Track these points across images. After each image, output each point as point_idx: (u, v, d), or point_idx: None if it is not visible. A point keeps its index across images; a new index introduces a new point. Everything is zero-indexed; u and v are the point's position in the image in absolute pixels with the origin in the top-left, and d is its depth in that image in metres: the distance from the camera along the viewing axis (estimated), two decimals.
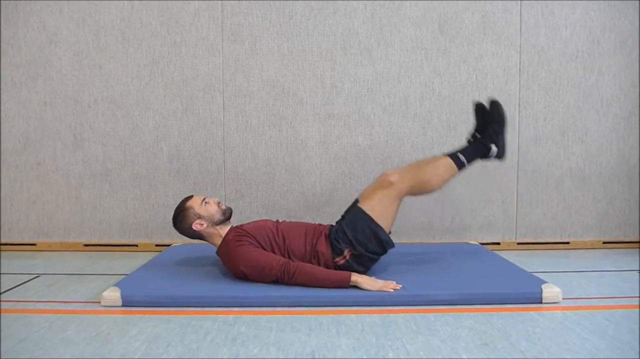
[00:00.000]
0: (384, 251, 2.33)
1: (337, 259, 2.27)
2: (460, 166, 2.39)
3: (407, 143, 3.17)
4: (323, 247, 2.28)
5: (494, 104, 2.43)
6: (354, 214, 2.34)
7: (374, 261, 2.32)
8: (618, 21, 3.12)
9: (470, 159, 2.41)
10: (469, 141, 2.49)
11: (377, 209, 2.30)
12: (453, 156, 2.41)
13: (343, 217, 2.47)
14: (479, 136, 2.45)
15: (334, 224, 2.47)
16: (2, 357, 1.63)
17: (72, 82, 3.15)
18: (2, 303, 2.16)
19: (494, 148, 2.40)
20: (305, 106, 3.16)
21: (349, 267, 2.25)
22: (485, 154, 2.42)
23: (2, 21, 3.12)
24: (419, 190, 2.39)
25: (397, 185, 2.32)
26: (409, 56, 3.14)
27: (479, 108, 2.49)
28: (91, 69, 3.14)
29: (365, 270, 2.30)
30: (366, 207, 2.32)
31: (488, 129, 2.41)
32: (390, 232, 2.36)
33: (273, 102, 3.16)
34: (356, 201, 2.44)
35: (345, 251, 2.26)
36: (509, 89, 3.15)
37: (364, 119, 3.17)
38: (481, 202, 3.19)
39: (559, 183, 3.19)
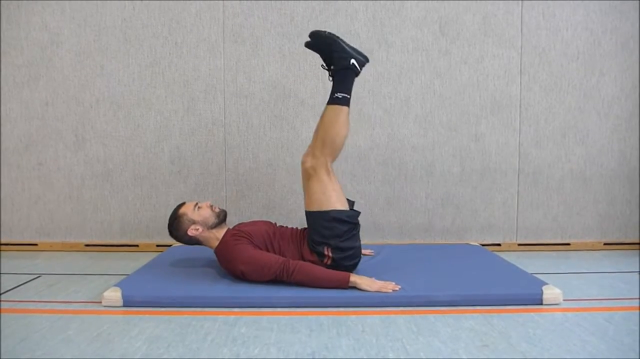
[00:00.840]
0: (354, 224, 2.30)
1: (325, 261, 2.27)
2: (345, 102, 2.31)
3: (408, 144, 3.18)
4: (308, 255, 2.30)
5: (314, 34, 2.34)
6: (308, 218, 2.34)
7: (354, 238, 2.29)
8: (619, 23, 3.12)
9: (347, 89, 2.31)
10: (331, 77, 2.38)
11: (322, 198, 2.27)
12: (332, 99, 2.32)
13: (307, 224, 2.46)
14: (332, 67, 2.35)
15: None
16: (3, 357, 1.64)
17: (73, 83, 3.16)
18: (3, 302, 2.16)
19: (352, 61, 2.29)
20: (306, 106, 3.16)
21: (340, 264, 2.25)
22: (354, 73, 2.32)
23: (4, 21, 3.13)
24: (335, 150, 2.32)
25: (317, 165, 2.28)
26: (409, 57, 3.15)
27: (309, 45, 2.38)
28: (93, 69, 3.15)
29: (356, 251, 2.29)
30: (312, 204, 2.30)
31: (332, 55, 2.31)
32: (354, 203, 2.36)
33: (274, 103, 3.16)
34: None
35: (325, 251, 2.26)
36: (509, 90, 3.16)
37: (364, 120, 3.17)
38: (482, 203, 3.20)
39: (560, 184, 3.19)
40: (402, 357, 1.62)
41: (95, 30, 3.13)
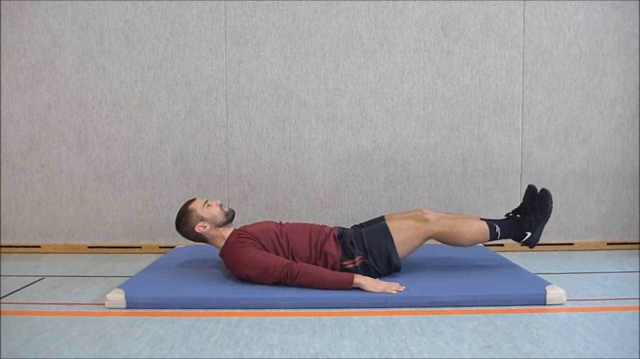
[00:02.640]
0: (389, 273, 2.33)
1: (346, 263, 2.28)
2: (493, 237, 2.39)
3: (410, 145, 3.17)
4: (333, 249, 2.29)
5: (544, 193, 2.39)
6: (379, 227, 2.36)
7: (378, 275, 2.31)
8: (622, 22, 3.11)
9: (503, 235, 2.40)
10: (507, 216, 2.49)
11: (402, 235, 2.32)
12: (490, 223, 2.39)
13: (362, 225, 2.51)
14: (519, 216, 2.44)
15: (338, 226, 2.47)
16: (7, 358, 1.64)
17: (76, 85, 3.16)
18: (7, 304, 2.17)
19: (528, 234, 2.39)
20: (309, 107, 3.16)
21: (353, 272, 2.25)
22: (518, 237, 2.41)
23: (6, 24, 3.14)
24: (447, 239, 2.39)
25: (431, 225, 2.34)
26: (412, 58, 3.14)
27: (530, 190, 2.48)
28: (95, 71, 3.16)
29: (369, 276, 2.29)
30: (392, 227, 2.34)
31: (531, 215, 2.39)
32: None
33: (276, 104, 3.16)
34: (382, 218, 2.48)
35: (357, 258, 2.28)
36: (512, 90, 3.15)
37: (367, 121, 3.17)
38: (484, 204, 3.19)
39: (563, 184, 3.19)
40: (405, 358, 1.62)
41: (98, 32, 3.14)
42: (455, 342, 1.73)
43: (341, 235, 2.37)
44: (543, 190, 2.40)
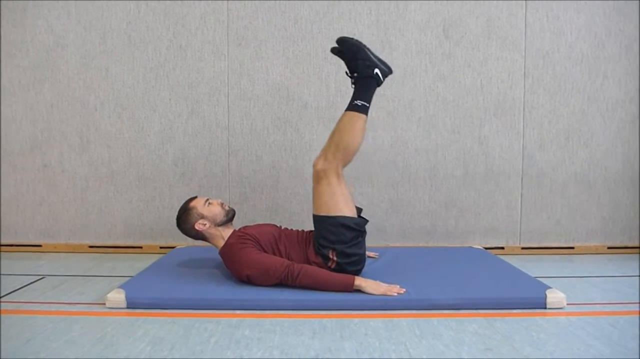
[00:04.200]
0: (360, 231, 2.30)
1: (329, 264, 2.27)
2: (364, 110, 2.31)
3: (411, 147, 3.18)
4: (313, 257, 2.30)
5: (341, 41, 2.33)
6: (315, 222, 2.34)
7: (359, 245, 2.29)
8: (623, 26, 3.11)
9: (367, 98, 2.32)
10: (354, 84, 2.38)
11: (330, 203, 2.27)
12: (352, 106, 2.32)
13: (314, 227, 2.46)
14: (356, 74, 2.35)
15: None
16: (7, 358, 1.64)
17: (78, 85, 3.17)
18: (7, 303, 2.17)
19: (376, 71, 2.31)
20: (310, 109, 3.17)
21: (343, 267, 2.25)
22: (377, 82, 2.33)
23: (9, 24, 3.15)
24: (348, 156, 2.33)
25: (328, 169, 2.28)
26: (413, 60, 3.15)
27: (335, 50, 2.39)
28: (97, 71, 3.16)
29: (359, 258, 2.28)
30: (319, 208, 2.29)
31: (357, 62, 2.31)
32: (361, 211, 2.35)
33: (278, 105, 3.17)
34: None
35: (330, 254, 2.26)
36: (513, 93, 3.15)
37: (368, 123, 3.14)
38: (485, 207, 3.19)
39: (564, 188, 3.19)
40: None
41: (100, 33, 3.15)
42: (455, 345, 1.73)
43: (314, 243, 2.35)
44: (338, 40, 2.33)
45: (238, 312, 2.04)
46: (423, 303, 2.08)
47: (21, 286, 2.44)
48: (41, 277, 2.60)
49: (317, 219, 2.32)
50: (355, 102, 2.32)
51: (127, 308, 2.08)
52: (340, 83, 3.15)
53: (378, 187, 3.19)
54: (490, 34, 3.13)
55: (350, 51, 2.32)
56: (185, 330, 1.86)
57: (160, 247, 3.19)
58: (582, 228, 3.21)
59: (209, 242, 2.41)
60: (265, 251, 2.28)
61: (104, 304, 2.11)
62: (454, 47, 3.14)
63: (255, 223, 2.60)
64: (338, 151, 2.29)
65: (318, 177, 2.30)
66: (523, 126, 3.17)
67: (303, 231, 2.48)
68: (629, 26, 3.11)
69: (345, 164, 2.34)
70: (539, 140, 3.17)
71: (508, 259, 2.84)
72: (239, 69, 3.15)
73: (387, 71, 2.34)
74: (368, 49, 2.32)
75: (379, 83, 2.34)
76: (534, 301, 2.10)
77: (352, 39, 2.32)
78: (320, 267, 2.26)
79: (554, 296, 2.10)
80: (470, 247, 3.09)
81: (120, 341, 1.76)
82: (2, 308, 2.10)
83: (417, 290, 2.16)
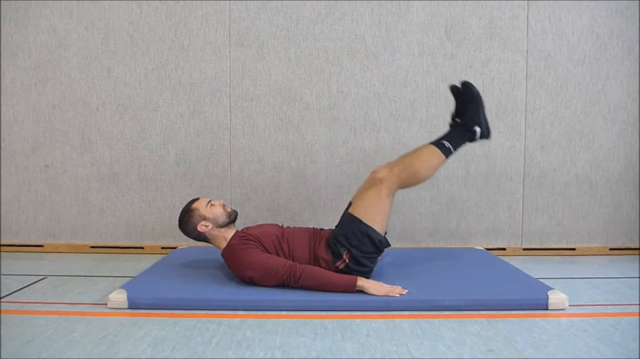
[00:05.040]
0: (380, 251, 2.32)
1: (338, 264, 2.27)
2: (447, 152, 2.35)
3: (413, 148, 3.16)
4: (323, 253, 2.29)
5: (466, 85, 2.37)
6: (346, 219, 2.35)
7: (373, 260, 2.31)
8: (625, 27, 3.11)
9: (456, 145, 2.36)
10: (451, 126, 2.44)
11: (369, 210, 2.29)
12: (438, 143, 2.36)
13: (339, 221, 2.48)
14: (459, 120, 2.40)
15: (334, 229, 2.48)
16: (9, 358, 1.64)
17: (80, 86, 3.18)
18: (9, 304, 2.17)
19: (477, 129, 2.35)
20: (312, 110, 3.17)
21: (350, 271, 2.25)
22: (471, 138, 2.38)
23: (11, 24, 3.15)
24: (409, 182, 2.36)
25: (387, 181, 2.30)
26: (415, 61, 3.15)
27: (454, 90, 2.43)
28: (99, 72, 3.17)
29: (367, 271, 2.30)
30: (357, 210, 2.32)
31: (467, 112, 2.36)
32: (386, 233, 2.36)
33: (279, 106, 3.17)
34: (350, 204, 2.44)
35: (344, 254, 2.26)
36: (515, 94, 3.15)
37: (370, 124, 3.17)
38: (487, 208, 3.19)
39: (565, 189, 3.18)
40: None
41: (102, 34, 3.15)
42: (457, 346, 1.73)
43: (329, 238, 2.36)
44: (463, 83, 2.37)
45: (240, 313, 2.04)
46: (425, 303, 2.08)
47: (23, 286, 2.44)
48: (43, 277, 2.60)
49: (349, 218, 2.32)
50: (444, 142, 2.35)
51: (129, 308, 2.08)
52: (341, 84, 3.15)
53: None
54: (492, 35, 3.13)
55: (467, 98, 2.37)
56: (186, 330, 1.86)
57: (162, 248, 3.19)
58: (584, 229, 3.20)
59: (211, 243, 2.41)
60: (268, 252, 2.27)
61: (106, 304, 2.11)
62: (456, 48, 3.14)
63: (257, 224, 2.59)
64: (404, 171, 2.31)
65: (372, 183, 2.32)
66: (525, 127, 3.17)
67: (313, 228, 2.47)
68: (631, 27, 3.11)
69: (400, 187, 2.35)
70: (540, 141, 3.17)
71: (510, 260, 2.84)
72: (240, 69, 3.15)
73: (486, 135, 2.38)
74: (483, 105, 2.35)
75: (471, 140, 2.38)
76: (535, 302, 2.09)
77: (476, 88, 2.35)
78: (328, 265, 2.27)
79: (556, 297, 2.09)
80: (472, 248, 3.09)
81: (121, 342, 1.76)
82: (3, 308, 2.10)
83: (418, 291, 2.16)
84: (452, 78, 3.14)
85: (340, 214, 3.22)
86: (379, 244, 2.28)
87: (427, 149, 2.37)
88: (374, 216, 2.29)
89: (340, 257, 2.27)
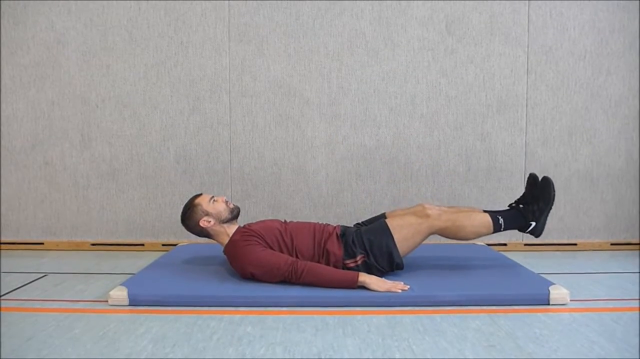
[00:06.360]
0: (392, 271, 2.33)
1: (348, 262, 2.27)
2: (497, 228, 2.36)
3: (414, 143, 3.17)
4: (334, 248, 2.29)
5: (546, 182, 2.37)
6: (379, 225, 2.35)
7: (381, 273, 2.31)
8: (627, 22, 3.10)
9: (507, 226, 2.37)
10: (510, 206, 2.47)
11: (403, 232, 2.31)
12: (493, 215, 2.37)
13: (363, 224, 2.50)
14: (522, 206, 2.42)
15: (341, 224, 2.48)
16: (10, 356, 1.64)
17: (79, 82, 3.17)
18: (9, 301, 2.17)
19: (533, 225, 2.36)
20: (312, 106, 3.16)
21: (356, 271, 2.24)
22: (523, 227, 2.39)
23: (10, 22, 3.14)
24: (449, 234, 2.37)
25: (433, 220, 2.32)
26: (415, 56, 3.14)
27: (531, 179, 2.46)
28: (99, 69, 3.16)
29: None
30: (393, 225, 2.33)
31: (534, 204, 2.37)
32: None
33: (279, 102, 3.16)
34: (383, 215, 2.46)
35: (359, 257, 2.28)
36: (516, 89, 3.14)
37: (370, 120, 3.16)
38: (488, 203, 3.18)
39: (567, 184, 3.17)
40: (408, 357, 1.61)
41: (101, 30, 3.14)
42: (458, 341, 1.72)
43: (343, 234, 2.37)
44: (545, 178, 2.38)
45: (240, 309, 2.03)
46: (426, 299, 2.08)
47: (23, 283, 2.44)
48: (43, 275, 2.60)
49: (383, 227, 2.33)
50: (499, 217, 2.36)
51: (130, 305, 2.08)
52: (342, 80, 3.14)
53: (380, 184, 3.18)
54: (493, 30, 3.12)
55: (539, 193, 2.38)
56: (187, 327, 1.85)
57: (162, 245, 3.19)
58: (585, 225, 3.20)
59: (213, 239, 2.41)
60: (271, 247, 2.27)
61: (106, 301, 2.11)
62: (456, 43, 3.13)
63: (257, 220, 2.59)
64: (451, 222, 2.33)
65: (418, 214, 2.35)
66: (526, 122, 3.16)
67: (317, 223, 2.46)
68: (632, 22, 3.09)
69: (438, 233, 2.37)
70: (541, 137, 3.16)
71: (511, 255, 2.84)
72: (240, 65, 3.14)
73: (537, 233, 2.38)
74: (550, 207, 2.36)
75: (522, 229, 2.39)
76: (537, 298, 2.09)
77: (554, 189, 2.35)
78: (337, 259, 2.27)
79: (557, 293, 2.09)
80: (473, 244, 3.08)
81: (122, 339, 1.76)
82: (4, 306, 2.10)
83: (420, 287, 2.15)
84: (452, 73, 3.13)
85: (341, 209, 3.23)
86: (395, 266, 2.31)
87: (482, 216, 2.37)
88: (405, 241, 2.31)
89: (354, 257, 2.28)
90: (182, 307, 2.05)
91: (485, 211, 2.41)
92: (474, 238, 2.40)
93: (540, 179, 2.40)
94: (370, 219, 2.54)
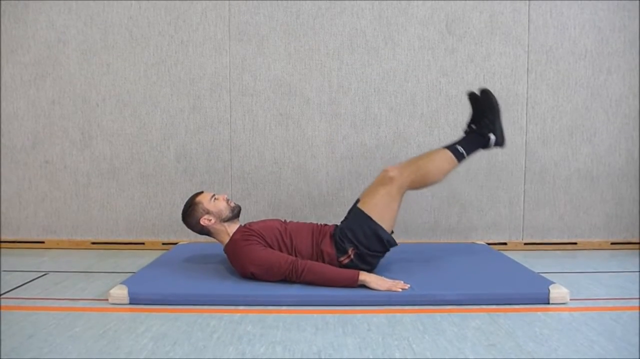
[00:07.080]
0: (386, 249, 2.33)
1: (342, 259, 2.27)
2: (460, 157, 2.38)
3: (414, 143, 3.17)
4: (328, 247, 2.29)
5: (485, 93, 2.41)
6: (354, 214, 2.35)
7: (378, 258, 2.33)
8: (627, 21, 3.10)
9: (469, 151, 2.40)
10: (466, 132, 2.48)
11: (378, 208, 2.30)
12: (452, 148, 2.40)
13: (346, 217, 2.48)
14: (474, 126, 2.45)
15: (339, 224, 2.48)
16: (10, 355, 1.64)
17: (80, 81, 3.17)
18: (10, 300, 2.17)
19: (492, 137, 2.39)
20: (312, 105, 3.16)
21: (354, 267, 2.25)
22: (484, 144, 2.42)
23: (11, 20, 3.14)
24: (419, 184, 2.38)
25: (398, 180, 2.31)
26: (416, 56, 3.14)
27: (472, 97, 2.47)
28: (99, 67, 3.16)
29: (371, 268, 2.31)
30: (367, 207, 2.32)
31: (484, 119, 2.40)
32: (392, 232, 2.36)
33: (280, 101, 3.16)
34: (357, 201, 2.44)
35: (349, 250, 2.27)
36: (516, 88, 3.14)
37: (370, 119, 3.16)
38: (488, 202, 3.18)
39: (567, 183, 3.18)
40: (408, 356, 1.62)
41: (102, 29, 3.14)
42: (458, 340, 1.73)
43: (334, 232, 2.36)
44: (483, 90, 2.41)
45: (241, 308, 2.04)
46: (426, 298, 2.08)
47: (24, 282, 2.44)
48: (44, 273, 2.60)
49: (358, 214, 2.32)
50: (457, 147, 2.38)
51: (130, 303, 2.08)
52: (342, 78, 3.14)
53: None
54: (493, 30, 3.12)
55: (485, 105, 2.40)
56: (187, 326, 1.86)
57: (163, 244, 3.19)
58: (585, 224, 3.20)
59: (214, 237, 2.41)
60: (271, 247, 2.27)
61: (107, 300, 2.11)
62: (456, 42, 3.13)
63: (257, 219, 2.59)
64: (415, 172, 2.33)
65: (383, 182, 2.34)
66: (526, 121, 3.16)
67: (316, 223, 2.47)
68: (633, 21, 3.09)
69: (410, 188, 2.38)
70: (542, 136, 3.16)
71: (511, 254, 2.84)
72: (240, 64, 3.14)
73: (500, 143, 2.41)
74: (500, 114, 2.38)
75: (485, 146, 2.41)
76: (537, 297, 2.10)
77: (495, 97, 2.38)
78: (331, 259, 2.27)
79: (557, 292, 2.09)
80: (473, 243, 3.09)
81: (122, 337, 1.76)
82: (5, 304, 2.10)
83: (420, 286, 2.15)
84: (452, 72, 3.13)
85: (342, 209, 3.22)
86: (387, 243, 2.30)
87: (440, 153, 2.39)
88: (383, 214, 2.30)
89: (346, 253, 2.27)
90: (183, 306, 2.06)
91: (443, 147, 2.42)
92: (443, 177, 2.40)
93: (479, 93, 2.42)
94: (349, 210, 2.51)
